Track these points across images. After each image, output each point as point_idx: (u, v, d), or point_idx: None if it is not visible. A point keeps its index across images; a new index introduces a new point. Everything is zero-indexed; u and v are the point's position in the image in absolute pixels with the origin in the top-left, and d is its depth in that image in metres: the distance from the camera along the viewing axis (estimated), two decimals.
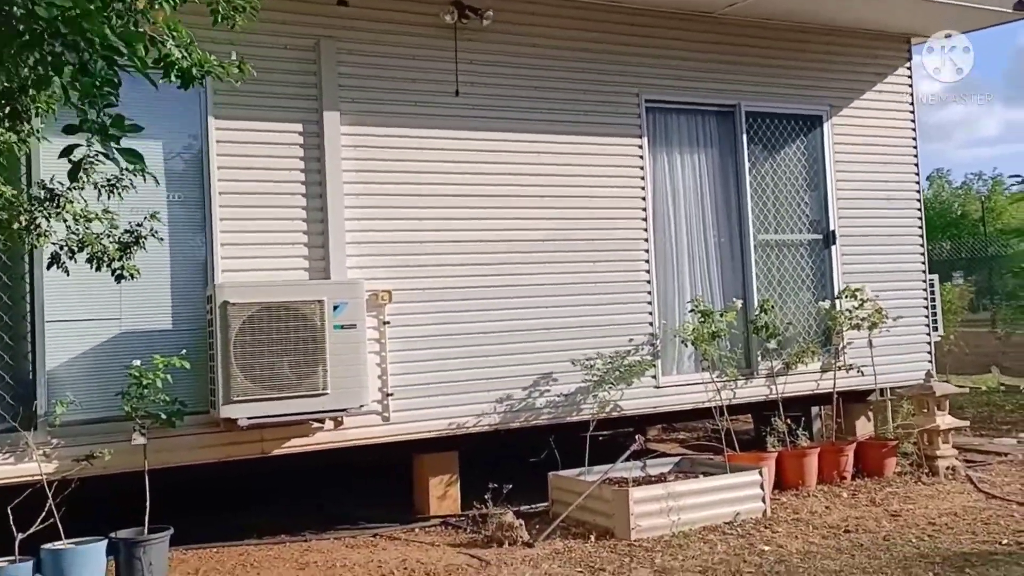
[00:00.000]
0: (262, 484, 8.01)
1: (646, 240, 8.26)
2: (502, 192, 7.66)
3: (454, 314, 7.40)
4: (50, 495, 5.68)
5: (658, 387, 8.24)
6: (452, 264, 7.43)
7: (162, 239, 5.71)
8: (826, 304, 8.90)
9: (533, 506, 7.59)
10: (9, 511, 5.56)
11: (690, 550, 6.30)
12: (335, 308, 6.39)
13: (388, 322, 7.13)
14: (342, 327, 6.40)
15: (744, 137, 8.75)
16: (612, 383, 7.76)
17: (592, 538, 6.65)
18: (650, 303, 8.23)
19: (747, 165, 8.75)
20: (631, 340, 8.12)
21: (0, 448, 5.89)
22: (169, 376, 5.92)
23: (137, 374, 5.85)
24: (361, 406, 6.52)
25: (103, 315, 6.29)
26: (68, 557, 5.59)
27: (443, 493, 7.51)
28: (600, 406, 7.76)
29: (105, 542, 5.77)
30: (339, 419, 6.77)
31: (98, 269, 5.09)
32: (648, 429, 10.99)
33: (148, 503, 5.95)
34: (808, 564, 5.88)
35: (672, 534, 6.65)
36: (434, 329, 7.32)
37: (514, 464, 8.20)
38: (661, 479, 7.44)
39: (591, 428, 7.42)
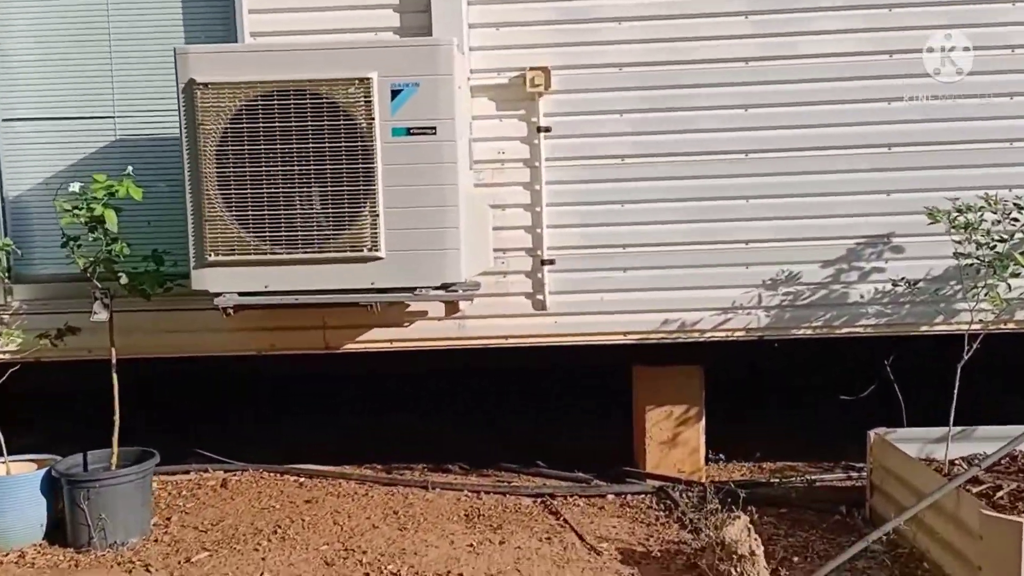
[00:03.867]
0: (429, 387, 5.42)
1: None
2: None
3: (675, 116, 3.83)
4: None
5: None
6: (665, 16, 3.79)
7: None
8: None
9: (851, 473, 4.08)
10: None
11: None
12: (394, 95, 3.29)
13: (547, 129, 3.83)
14: (407, 132, 3.31)
15: None
16: None
17: None
18: None
19: None
20: None
21: None
22: (112, 212, 3.42)
23: (68, 206, 3.45)
24: (446, 286, 3.44)
25: (90, 111, 3.97)
26: None
27: (671, 437, 4.25)
28: (997, 306, 3.66)
29: (43, 472, 3.64)
30: (453, 303, 3.79)
31: None
32: None
33: (117, 415, 3.68)
34: None
35: None
36: (634, 143, 3.86)
37: (807, 399, 4.62)
38: None
39: (968, 350, 3.45)
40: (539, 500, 4.09)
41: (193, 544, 3.63)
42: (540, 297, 3.92)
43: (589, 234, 3.89)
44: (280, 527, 3.78)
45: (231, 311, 3.40)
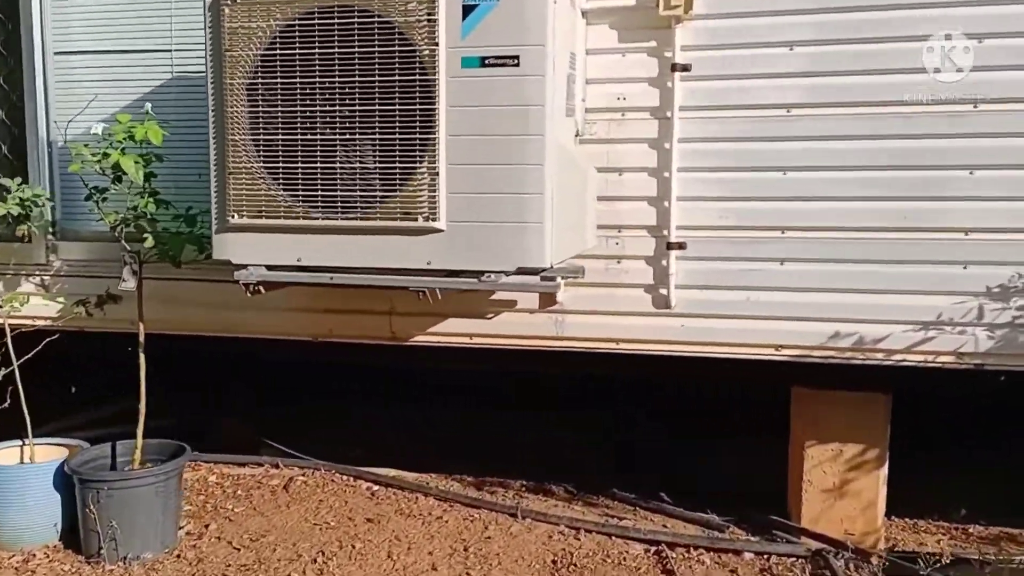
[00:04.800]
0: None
1: None
2: None
3: (869, 50, 2.73)
4: (12, 353, 3.17)
5: None
6: None
7: None
8: None
9: None
10: None
11: None
12: (466, 13, 2.43)
13: (685, 67, 2.84)
14: (481, 62, 2.44)
15: None
16: None
17: None
18: None
19: None
20: None
21: None
22: (129, 160, 2.80)
23: (87, 151, 2.87)
24: (531, 270, 2.55)
25: (148, 44, 3.39)
26: None
27: (837, 484, 3.21)
28: None
29: (56, 463, 3.12)
30: (549, 294, 2.92)
31: None
32: None
33: (143, 402, 3.11)
34: None
35: None
36: (808, 88, 2.79)
37: None
38: None
39: None
40: (652, 550, 3.16)
41: (217, 566, 3.00)
42: (663, 291, 2.96)
43: (735, 211, 2.87)
44: (323, 554, 3.08)
45: (259, 288, 2.68)
